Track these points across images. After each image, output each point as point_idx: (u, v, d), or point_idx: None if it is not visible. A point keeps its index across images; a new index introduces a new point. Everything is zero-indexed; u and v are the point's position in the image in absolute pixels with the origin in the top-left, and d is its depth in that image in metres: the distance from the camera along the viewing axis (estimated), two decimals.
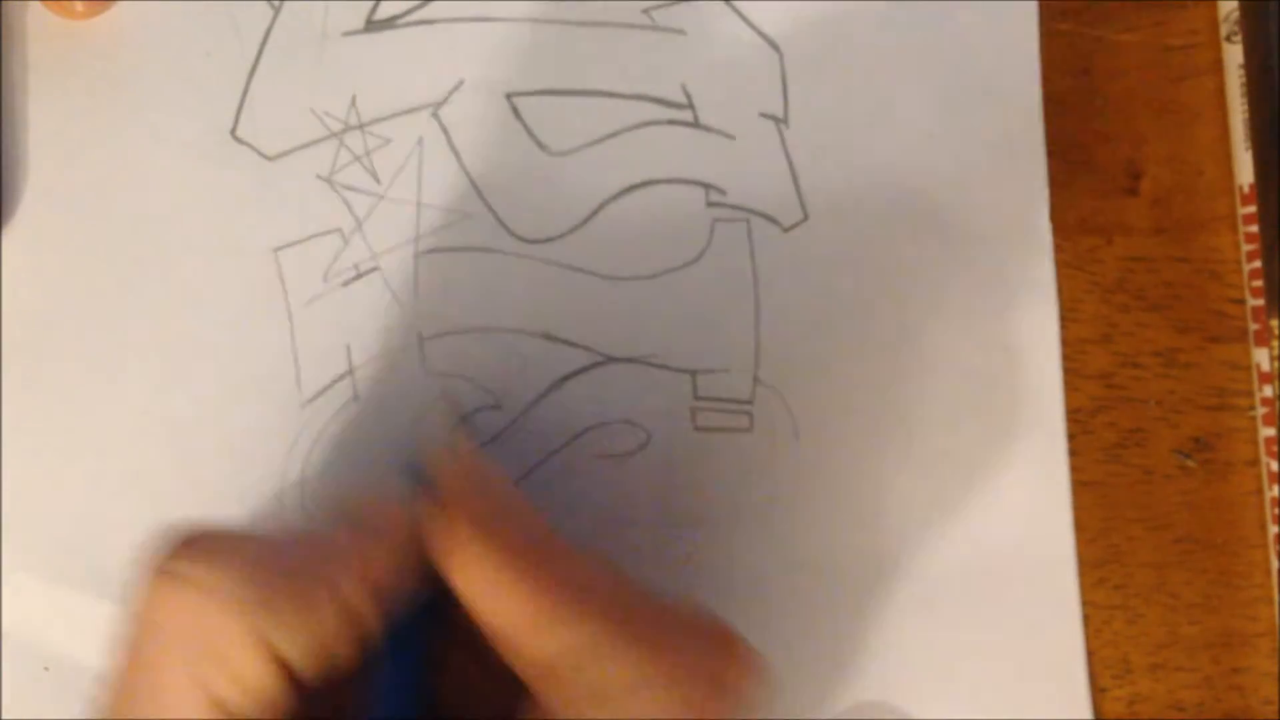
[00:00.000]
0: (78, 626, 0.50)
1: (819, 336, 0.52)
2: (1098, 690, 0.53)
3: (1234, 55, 0.55)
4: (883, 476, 0.53)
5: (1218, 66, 0.56)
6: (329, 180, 0.51)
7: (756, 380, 0.52)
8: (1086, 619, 0.54)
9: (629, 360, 0.52)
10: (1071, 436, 0.54)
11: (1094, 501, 0.54)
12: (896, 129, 0.53)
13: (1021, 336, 0.53)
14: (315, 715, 0.40)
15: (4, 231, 0.50)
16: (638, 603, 0.40)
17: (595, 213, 0.52)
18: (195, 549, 0.38)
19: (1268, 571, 0.55)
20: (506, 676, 0.42)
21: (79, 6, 0.50)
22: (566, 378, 0.51)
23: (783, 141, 0.52)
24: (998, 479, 0.53)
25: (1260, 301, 0.54)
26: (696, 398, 0.52)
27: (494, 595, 0.40)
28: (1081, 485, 0.54)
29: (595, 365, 0.52)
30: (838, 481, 0.53)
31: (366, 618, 0.40)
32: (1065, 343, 0.54)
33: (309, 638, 0.38)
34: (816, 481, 0.52)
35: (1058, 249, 0.54)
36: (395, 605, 0.41)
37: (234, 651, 0.37)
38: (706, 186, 0.52)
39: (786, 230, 0.52)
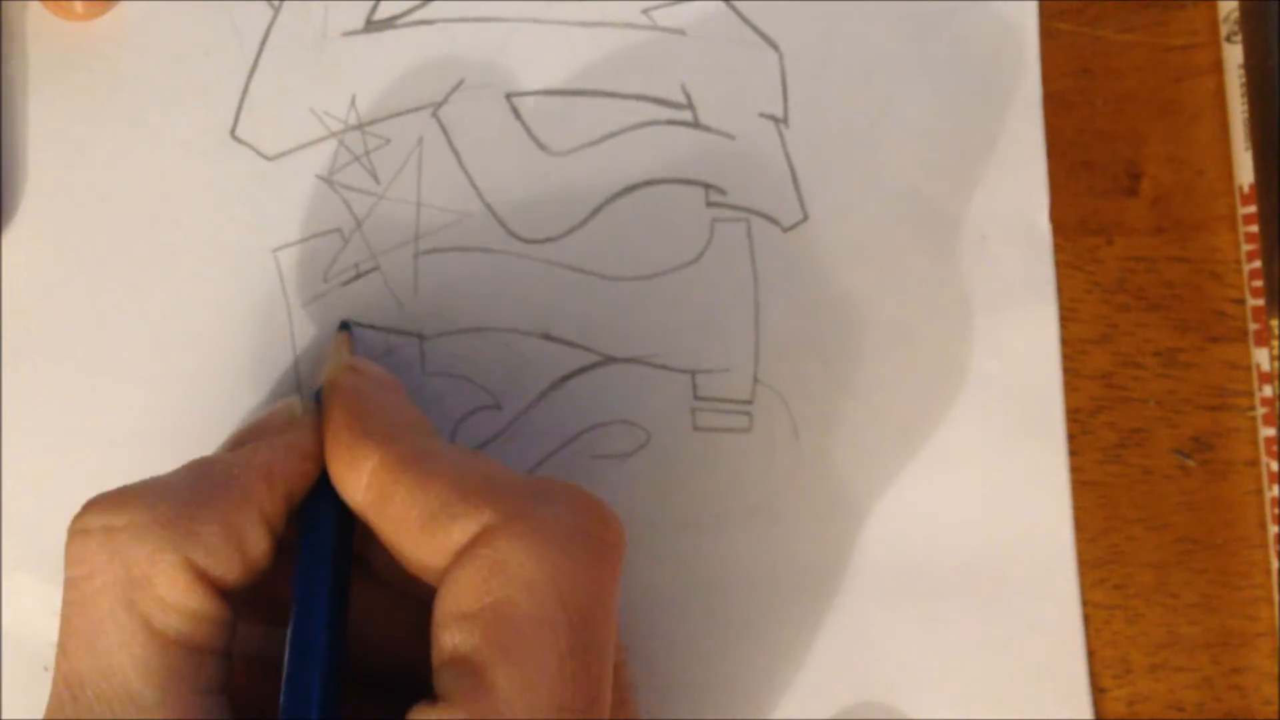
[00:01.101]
0: None
1: (819, 337, 0.53)
2: (1098, 690, 0.54)
3: (1234, 55, 0.55)
4: (882, 476, 0.53)
5: (1218, 66, 0.56)
6: (329, 180, 0.51)
7: (756, 380, 0.53)
8: (1086, 619, 0.54)
9: (628, 360, 0.52)
10: (1071, 436, 0.54)
11: (1094, 501, 0.54)
12: (896, 128, 0.54)
13: (1021, 336, 0.54)
14: (244, 613, 0.42)
15: (4, 231, 0.51)
16: (521, 484, 0.42)
17: (595, 212, 0.52)
18: (100, 502, 0.40)
19: (1268, 571, 0.55)
20: (404, 603, 0.45)
21: (79, 7, 0.50)
22: (566, 378, 0.52)
23: (783, 141, 0.53)
24: (998, 478, 0.54)
25: (1260, 301, 0.55)
26: (696, 398, 0.52)
27: (388, 497, 0.42)
28: (1081, 485, 0.54)
29: (595, 365, 0.52)
30: (837, 481, 0.53)
31: (279, 519, 0.42)
32: (1065, 343, 0.54)
33: (229, 549, 0.40)
34: (816, 481, 0.53)
35: (1058, 249, 0.55)
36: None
37: (160, 576, 0.39)
38: (706, 186, 0.53)
39: (786, 230, 0.53)
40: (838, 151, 0.53)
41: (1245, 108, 0.55)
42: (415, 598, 0.44)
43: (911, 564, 0.53)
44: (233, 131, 0.52)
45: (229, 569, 0.40)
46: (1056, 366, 0.54)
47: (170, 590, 0.39)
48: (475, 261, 0.52)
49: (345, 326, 0.51)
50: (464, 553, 0.40)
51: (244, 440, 0.45)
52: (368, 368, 0.47)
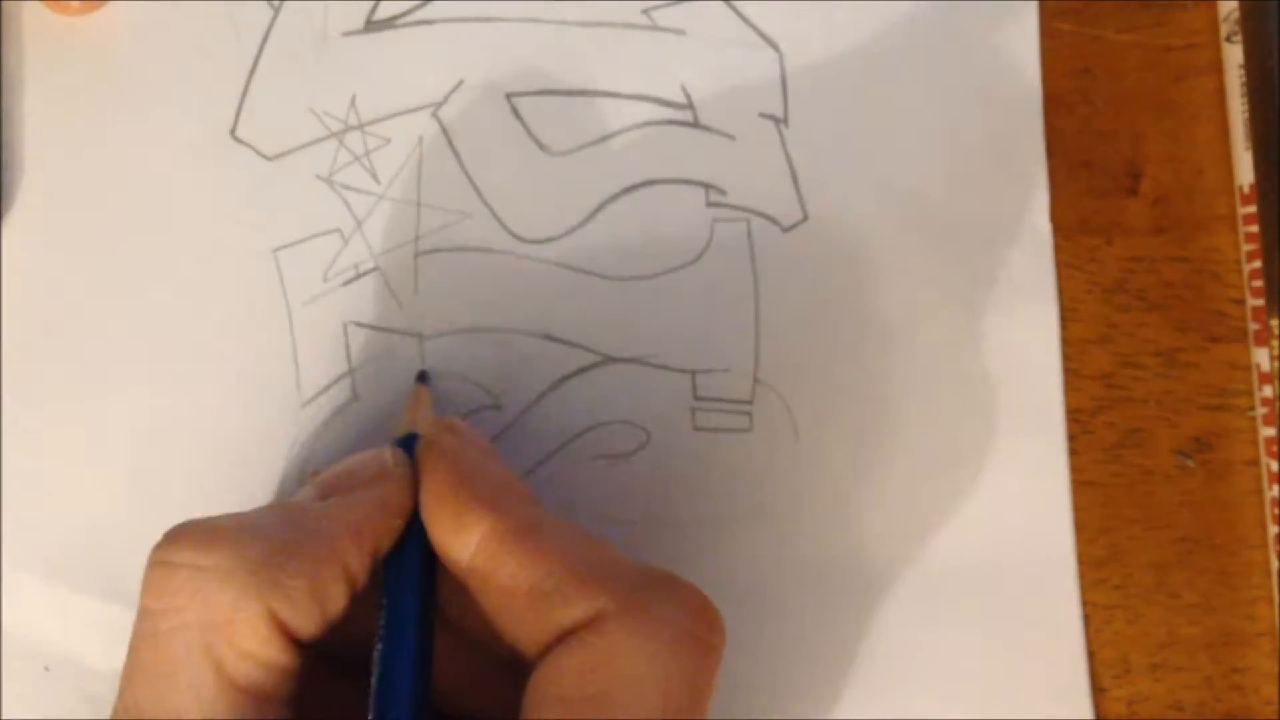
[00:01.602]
0: (78, 626, 0.51)
1: (819, 336, 0.53)
2: (1098, 690, 0.54)
3: (1234, 55, 0.55)
4: (883, 476, 0.54)
5: (1218, 66, 0.56)
6: (329, 180, 0.52)
7: (756, 380, 0.53)
8: (1086, 619, 0.54)
9: (628, 360, 0.52)
10: (1071, 436, 0.55)
11: (1094, 501, 0.55)
12: (896, 128, 0.54)
13: (1022, 335, 0.54)
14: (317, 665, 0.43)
15: (2, 230, 0.51)
16: (634, 572, 0.42)
17: (595, 213, 0.52)
18: (188, 537, 0.40)
19: (1268, 571, 0.55)
20: (489, 658, 0.45)
21: (74, 4, 0.51)
22: (566, 378, 0.52)
23: (783, 141, 0.53)
24: (998, 478, 0.54)
25: (1260, 301, 0.55)
26: (696, 398, 0.53)
27: (497, 565, 0.41)
28: (1081, 485, 0.54)
29: (595, 365, 0.52)
30: (837, 481, 0.53)
31: (363, 575, 0.42)
32: (1065, 343, 0.55)
33: (310, 604, 0.40)
34: (816, 481, 0.53)
35: (1058, 249, 0.55)
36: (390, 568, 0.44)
37: (240, 625, 0.39)
38: (706, 186, 0.53)
39: (786, 230, 0.53)
40: (838, 151, 0.54)
41: (1245, 108, 0.55)
42: (492, 653, 0.44)
43: (911, 564, 0.54)
44: (233, 131, 0.52)
45: (307, 622, 0.40)
46: (1057, 366, 0.54)
47: (249, 639, 0.39)
48: (475, 261, 0.52)
49: (424, 378, 0.51)
50: (572, 636, 0.40)
51: (332, 486, 0.44)
52: (466, 430, 0.46)
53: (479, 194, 0.52)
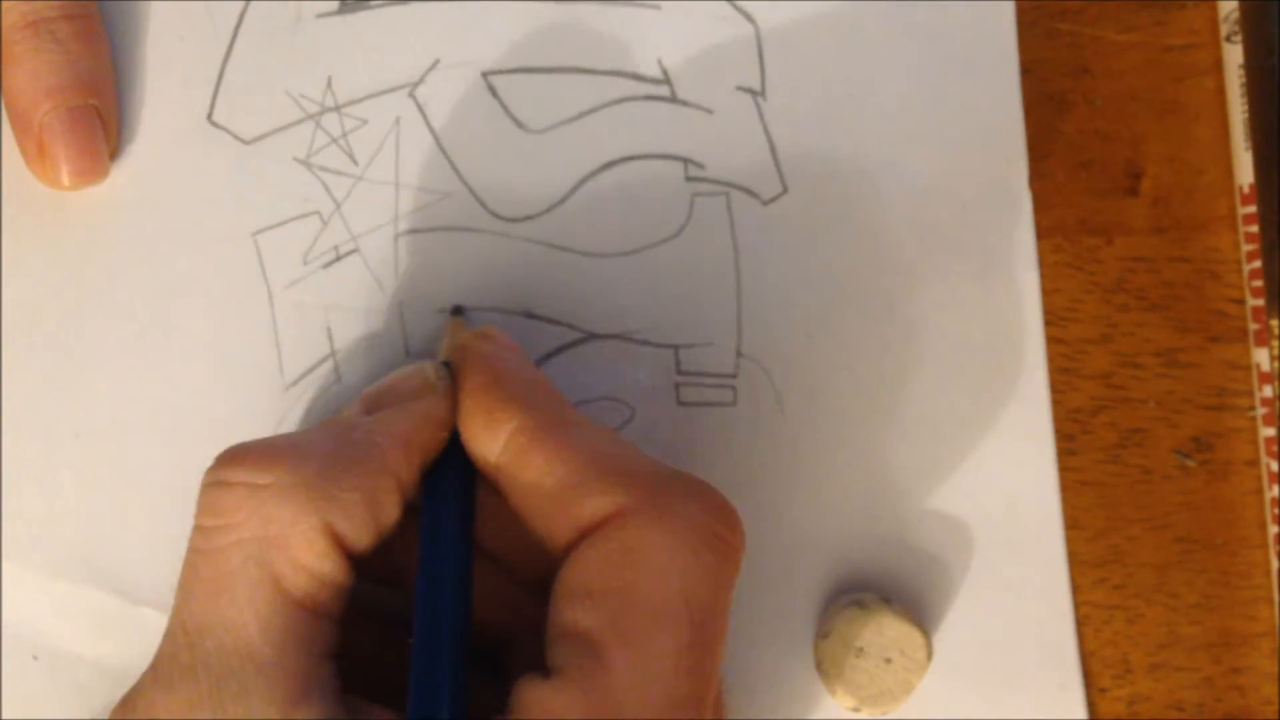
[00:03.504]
0: (65, 615, 0.51)
1: (801, 309, 0.54)
2: (1097, 690, 0.55)
3: (1234, 55, 0.56)
4: (868, 447, 0.54)
5: (1218, 66, 0.57)
6: (306, 163, 0.53)
7: (739, 354, 0.54)
8: (1087, 619, 0.55)
9: (611, 337, 0.53)
10: (1071, 437, 0.55)
11: (1094, 501, 0.55)
12: (874, 99, 0.55)
13: (1003, 303, 0.55)
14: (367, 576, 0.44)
15: None
16: (657, 471, 0.43)
17: (574, 190, 0.53)
18: (244, 456, 0.42)
19: (1268, 571, 0.56)
20: (502, 572, 0.47)
21: (65, 179, 0.51)
22: (549, 355, 0.53)
23: (760, 114, 0.54)
24: (983, 447, 0.55)
25: (1260, 301, 0.55)
26: (679, 372, 0.54)
27: (525, 461, 0.43)
28: (1081, 485, 0.55)
29: (577, 342, 0.53)
30: (823, 453, 0.54)
31: (412, 488, 0.44)
32: (1065, 343, 0.55)
33: (366, 516, 0.42)
34: (802, 454, 0.54)
35: (1058, 249, 0.56)
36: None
37: (296, 539, 0.41)
38: (685, 161, 0.54)
39: (766, 203, 0.54)
40: (816, 123, 0.55)
41: (1245, 108, 0.56)
42: (515, 570, 0.46)
43: (898, 533, 0.54)
44: (209, 116, 0.53)
45: (363, 535, 0.42)
46: (1039, 333, 0.55)
47: (306, 552, 0.41)
48: (455, 241, 0.53)
49: (459, 311, 0.53)
50: (596, 531, 0.41)
51: (377, 402, 0.46)
52: (500, 335, 0.48)
53: (457, 173, 0.53)
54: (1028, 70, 0.56)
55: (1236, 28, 0.56)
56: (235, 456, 0.42)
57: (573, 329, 0.53)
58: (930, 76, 0.55)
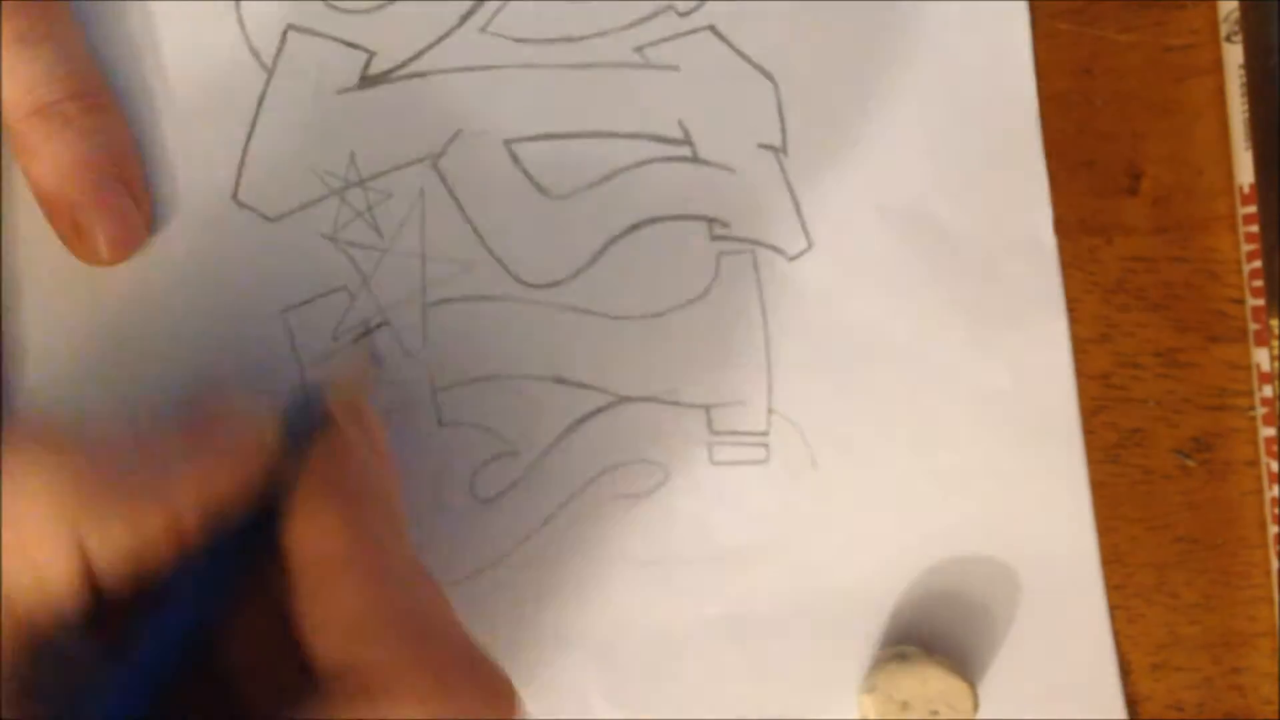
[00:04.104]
0: None
1: (830, 363, 0.55)
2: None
3: (1234, 55, 0.56)
4: (903, 498, 0.55)
5: (1218, 66, 0.57)
6: (333, 238, 0.53)
7: (771, 411, 0.54)
8: None
9: (642, 399, 0.54)
10: None
11: (1094, 501, 0.56)
12: (895, 149, 0.55)
13: (1031, 347, 0.56)
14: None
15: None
16: (447, 637, 0.42)
17: (600, 253, 0.54)
18: (21, 445, 0.39)
19: (1268, 571, 0.57)
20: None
21: (104, 251, 0.50)
22: (581, 420, 0.54)
23: (783, 170, 0.55)
24: (1018, 495, 0.55)
25: (1260, 301, 0.56)
26: (712, 432, 0.54)
27: (324, 579, 0.41)
28: None
29: (609, 406, 0.54)
30: (858, 506, 0.55)
31: (190, 534, 0.40)
32: None
33: (125, 545, 0.39)
34: (837, 508, 0.55)
35: (1058, 249, 0.56)
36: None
37: (42, 549, 0.38)
38: (709, 220, 0.54)
39: (792, 259, 0.55)
40: (838, 176, 0.55)
41: (1245, 108, 0.56)
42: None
43: (937, 586, 0.55)
44: (234, 195, 0.53)
45: (117, 568, 0.39)
46: (1070, 379, 0.56)
47: (49, 570, 0.38)
48: (484, 310, 0.53)
49: (363, 344, 0.53)
50: (363, 687, 0.39)
51: (201, 430, 0.43)
52: (372, 424, 0.46)
53: (483, 242, 0.53)
54: None
55: (1236, 28, 0.56)
56: (30, 430, 0.40)
57: (603, 393, 0.54)
58: (949, 121, 0.56)
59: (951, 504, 0.55)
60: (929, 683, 0.52)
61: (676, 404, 0.54)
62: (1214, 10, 0.57)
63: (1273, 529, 0.56)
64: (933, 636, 0.55)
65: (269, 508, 0.41)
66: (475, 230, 0.53)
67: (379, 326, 0.53)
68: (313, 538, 0.41)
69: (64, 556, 0.38)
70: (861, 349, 0.55)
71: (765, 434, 0.55)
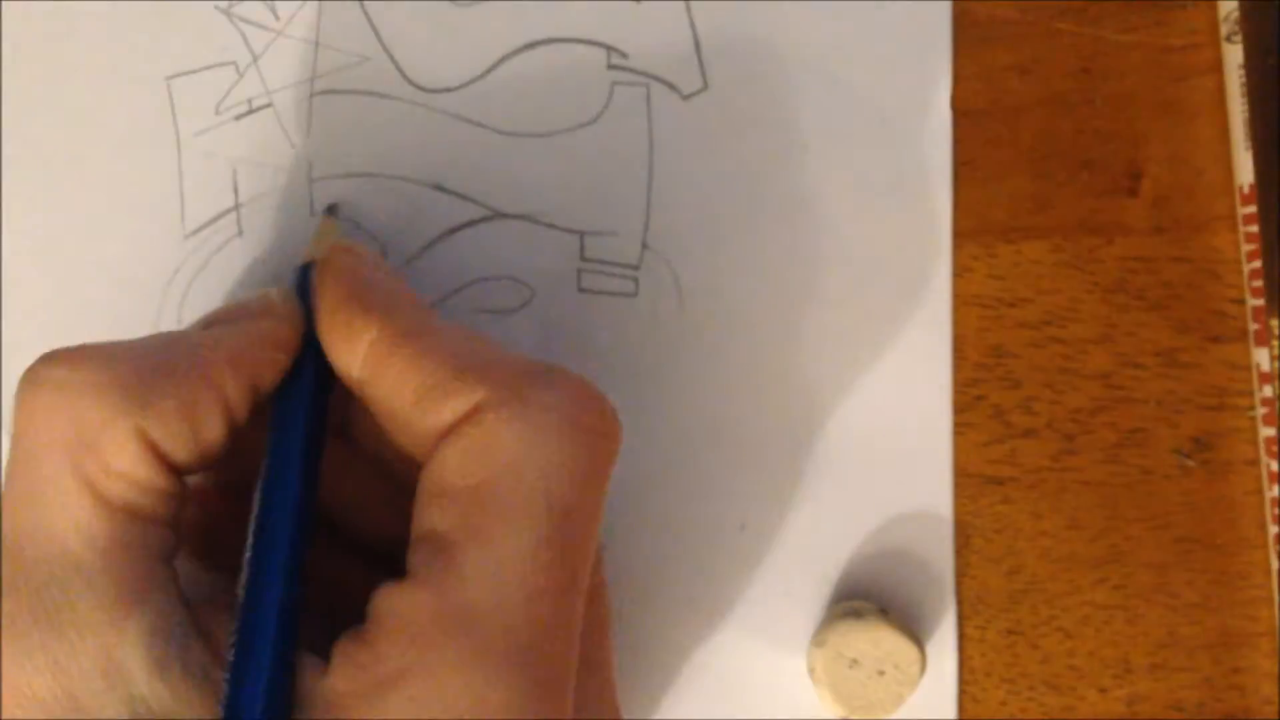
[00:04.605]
0: None
1: (710, 206, 0.54)
2: (1098, 690, 0.54)
3: (1234, 55, 0.56)
4: (766, 348, 0.54)
5: (1218, 66, 0.57)
6: (227, 12, 0.54)
7: (645, 246, 0.54)
8: (1087, 619, 0.54)
9: (518, 217, 0.54)
10: (1071, 437, 0.55)
11: (1094, 501, 0.55)
12: (802, 3, 0.55)
13: (916, 222, 0.55)
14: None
15: None
16: (519, 364, 0.43)
17: (495, 66, 0.54)
18: (58, 355, 0.42)
19: (1268, 571, 0.55)
20: (392, 479, 0.46)
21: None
22: (454, 229, 0.53)
23: (688, 9, 0.55)
24: (881, 360, 0.55)
25: (1260, 301, 0.55)
26: (583, 259, 0.54)
27: (384, 370, 0.43)
28: (1081, 485, 0.55)
29: (484, 219, 0.54)
30: (720, 352, 0.54)
31: (241, 407, 0.43)
32: (1065, 343, 0.55)
33: (183, 426, 0.41)
34: (699, 350, 0.54)
35: (1058, 249, 0.56)
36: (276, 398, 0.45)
37: (106, 441, 0.39)
38: (608, 48, 0.54)
39: (686, 98, 0.54)
40: (741, 22, 0.55)
41: (1245, 108, 0.56)
42: (398, 477, 0.46)
43: (788, 436, 0.54)
44: None
45: (180, 447, 0.41)
46: (948, 256, 0.55)
47: (119, 458, 0.39)
48: (371, 106, 0.54)
49: (333, 211, 0.53)
50: (453, 430, 0.41)
51: (214, 320, 0.45)
52: (360, 249, 0.48)
53: (379, 38, 0.54)
54: (1028, 70, 0.57)
55: (1236, 28, 0.56)
56: (51, 355, 0.41)
57: (480, 205, 0.54)
58: None
59: (813, 359, 0.54)
60: (880, 644, 0.52)
61: (552, 226, 0.54)
62: (1214, 10, 0.57)
63: (1273, 529, 0.55)
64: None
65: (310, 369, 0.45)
66: (372, 25, 0.54)
67: (263, 108, 0.54)
68: (351, 346, 0.44)
69: (134, 448, 0.40)
70: (744, 197, 0.54)
71: (636, 268, 0.54)
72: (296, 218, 0.53)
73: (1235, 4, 0.56)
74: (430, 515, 0.40)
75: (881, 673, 0.51)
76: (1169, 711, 0.54)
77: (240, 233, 0.53)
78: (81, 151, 0.54)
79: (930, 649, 0.53)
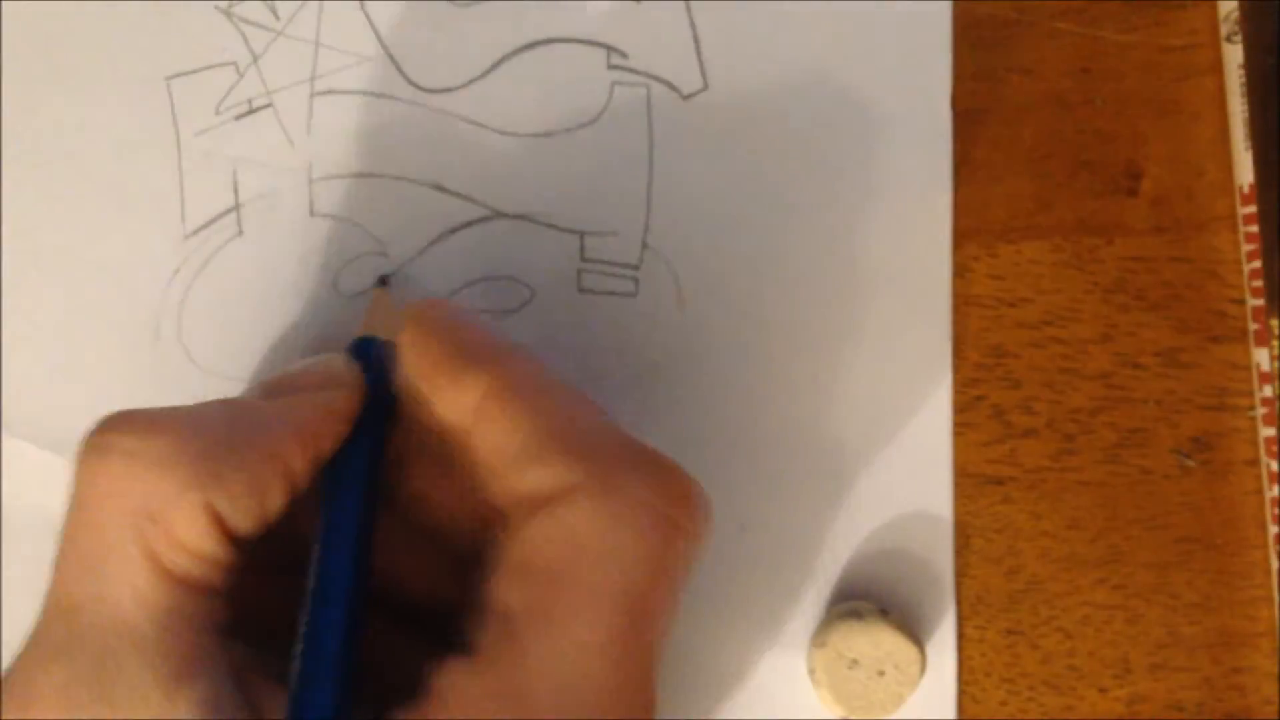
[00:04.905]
0: None
1: (710, 206, 0.54)
2: (1097, 690, 0.54)
3: (1234, 55, 0.56)
4: (765, 349, 0.54)
5: (1218, 66, 0.57)
6: (227, 12, 0.54)
7: (645, 246, 0.54)
8: (1087, 619, 0.54)
9: (518, 217, 0.54)
10: (1071, 437, 0.55)
11: (1094, 501, 0.55)
12: (805, 3, 0.55)
13: (916, 223, 0.55)
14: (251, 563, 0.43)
15: None
16: (615, 445, 0.43)
17: (495, 66, 0.54)
18: (127, 423, 0.41)
19: (1268, 571, 0.55)
20: (443, 548, 0.46)
21: None
22: (454, 229, 0.54)
23: (688, 9, 0.55)
24: (881, 361, 0.55)
25: (1260, 301, 0.55)
26: (583, 259, 0.54)
27: (494, 420, 0.43)
28: (1081, 485, 0.55)
29: (483, 219, 0.54)
30: (719, 353, 0.54)
31: (304, 479, 0.43)
32: (1065, 342, 0.55)
33: (250, 501, 0.41)
34: (698, 351, 0.54)
35: (1058, 249, 0.56)
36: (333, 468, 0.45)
37: (174, 514, 0.40)
38: (608, 49, 0.54)
39: (686, 98, 0.55)
40: (742, 22, 0.55)
41: (1245, 108, 0.56)
42: (445, 543, 0.46)
43: (788, 436, 0.54)
44: None
45: (245, 520, 0.41)
46: (947, 257, 0.55)
47: (185, 530, 0.40)
48: (371, 106, 0.54)
49: (384, 282, 0.53)
50: (540, 506, 0.41)
51: (278, 388, 0.45)
52: (451, 302, 0.49)
53: (379, 38, 0.54)
54: (1028, 70, 0.57)
55: (1236, 28, 0.56)
56: (118, 421, 0.41)
57: (480, 205, 0.54)
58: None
59: (812, 360, 0.54)
60: (880, 645, 0.52)
61: (552, 226, 0.54)
62: (1214, 10, 0.58)
63: (1273, 529, 0.55)
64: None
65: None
66: (373, 25, 0.54)
67: (263, 108, 0.54)
68: (460, 397, 0.44)
69: (203, 522, 0.40)
70: (743, 196, 0.54)
71: (636, 267, 0.54)
72: (296, 218, 0.54)
73: (1235, 4, 0.56)
74: (505, 589, 0.40)
75: (881, 673, 0.52)
76: (1169, 711, 0.54)
77: (240, 233, 0.54)
78: (81, 151, 0.54)
79: (930, 649, 0.53)
